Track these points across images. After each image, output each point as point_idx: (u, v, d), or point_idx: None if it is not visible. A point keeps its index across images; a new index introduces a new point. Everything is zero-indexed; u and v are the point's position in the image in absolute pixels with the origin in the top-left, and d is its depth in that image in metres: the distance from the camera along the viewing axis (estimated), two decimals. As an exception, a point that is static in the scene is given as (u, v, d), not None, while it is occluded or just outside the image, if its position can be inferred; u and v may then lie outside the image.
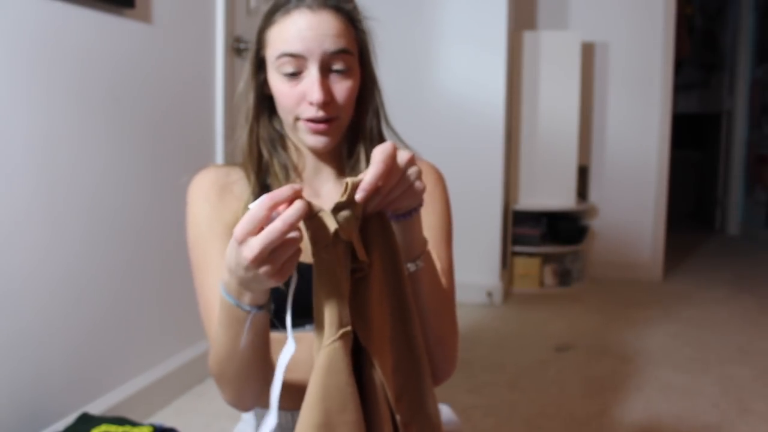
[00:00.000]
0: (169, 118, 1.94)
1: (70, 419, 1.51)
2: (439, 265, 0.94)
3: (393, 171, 0.69)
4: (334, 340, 0.68)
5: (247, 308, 0.72)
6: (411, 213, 0.76)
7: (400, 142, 0.98)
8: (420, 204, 0.76)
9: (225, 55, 2.17)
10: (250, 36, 2.60)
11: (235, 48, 2.25)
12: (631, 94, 3.75)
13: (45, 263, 1.50)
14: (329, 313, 0.68)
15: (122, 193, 1.75)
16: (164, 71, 1.90)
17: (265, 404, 0.92)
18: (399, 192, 0.71)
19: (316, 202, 0.69)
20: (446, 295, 0.91)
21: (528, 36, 3.48)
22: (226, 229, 0.91)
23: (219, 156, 2.17)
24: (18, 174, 1.43)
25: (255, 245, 0.62)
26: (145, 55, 1.82)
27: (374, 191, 0.68)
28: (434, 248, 0.95)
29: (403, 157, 0.70)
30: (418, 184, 0.72)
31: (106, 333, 1.71)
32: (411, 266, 0.80)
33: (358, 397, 0.69)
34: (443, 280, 0.93)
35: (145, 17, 1.81)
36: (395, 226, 0.76)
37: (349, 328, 0.68)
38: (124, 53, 1.73)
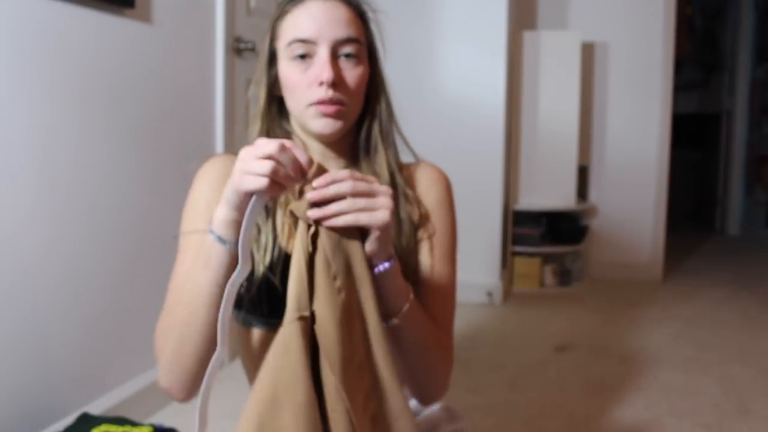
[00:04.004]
0: (169, 118, 1.94)
1: (70, 419, 1.51)
2: (438, 270, 0.95)
3: (358, 186, 0.73)
4: (292, 321, 0.69)
5: (226, 241, 0.77)
6: (380, 266, 0.78)
7: (405, 142, 0.99)
8: (389, 258, 0.79)
9: (225, 55, 2.17)
10: (250, 36, 2.61)
11: (235, 48, 2.25)
12: (631, 94, 3.75)
13: (45, 262, 1.50)
14: (292, 295, 0.70)
15: (123, 192, 1.75)
16: (164, 71, 1.90)
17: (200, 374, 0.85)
18: (360, 206, 0.73)
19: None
20: (435, 333, 0.91)
21: (528, 36, 3.48)
22: None
23: (219, 156, 2.17)
24: (19, 173, 1.43)
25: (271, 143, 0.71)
26: (145, 55, 1.82)
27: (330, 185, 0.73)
28: (438, 263, 0.96)
29: (381, 187, 0.75)
30: (381, 215, 0.74)
31: (107, 332, 1.71)
32: (391, 321, 0.82)
33: (309, 380, 0.69)
34: (443, 299, 0.95)
35: (145, 17, 1.81)
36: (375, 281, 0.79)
37: (306, 313, 0.70)
38: (124, 53, 1.73)
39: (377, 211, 0.74)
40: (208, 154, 2.11)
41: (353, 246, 0.74)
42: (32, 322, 1.48)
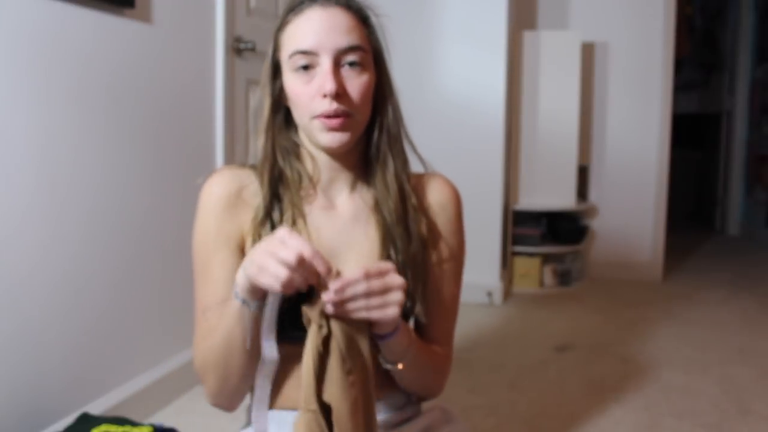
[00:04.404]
0: (169, 118, 1.94)
1: (70, 419, 1.51)
2: (445, 282, 0.99)
3: (372, 286, 0.77)
4: (302, 413, 0.78)
5: (251, 304, 0.81)
6: (385, 337, 0.84)
7: (414, 150, 0.98)
8: (394, 331, 0.84)
9: (225, 55, 2.17)
10: (250, 36, 2.60)
11: (235, 48, 2.25)
12: (631, 94, 3.75)
13: (45, 263, 1.50)
14: (303, 391, 0.78)
15: (122, 192, 1.75)
16: (164, 71, 1.90)
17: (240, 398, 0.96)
18: (373, 304, 0.77)
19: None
20: (435, 359, 0.97)
21: (528, 36, 3.48)
22: (230, 242, 0.93)
23: (219, 156, 2.17)
24: (18, 174, 1.43)
25: (296, 242, 0.75)
26: (145, 55, 1.82)
27: (341, 293, 0.76)
28: (447, 284, 0.99)
29: (395, 279, 0.78)
30: (391, 311, 0.78)
31: (106, 333, 1.71)
32: (390, 366, 0.89)
33: None
34: (447, 317, 0.99)
35: (145, 17, 1.81)
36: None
37: (313, 407, 0.77)
38: (124, 53, 1.73)
39: (388, 308, 0.78)
40: (207, 154, 2.12)
41: (362, 338, 0.80)
42: (32, 322, 1.47)
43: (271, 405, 0.94)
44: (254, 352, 0.85)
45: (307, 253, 0.74)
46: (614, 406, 1.96)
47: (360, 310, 0.77)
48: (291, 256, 0.73)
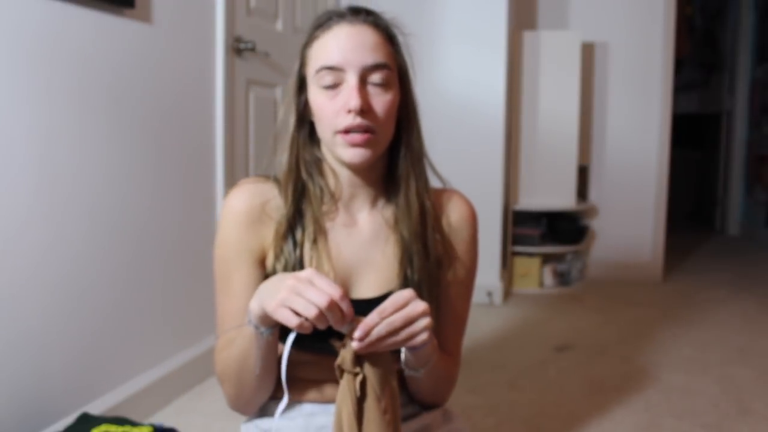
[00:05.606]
0: (169, 118, 1.94)
1: (70, 419, 1.51)
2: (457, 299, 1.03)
3: (394, 323, 0.77)
4: None
5: (263, 330, 0.83)
6: (418, 347, 0.84)
7: (433, 170, 0.99)
8: (426, 344, 0.84)
9: (225, 55, 2.17)
10: (250, 36, 2.60)
11: (235, 48, 2.25)
12: (631, 94, 3.75)
13: (46, 264, 1.50)
14: None
15: (122, 193, 1.75)
16: (164, 71, 1.90)
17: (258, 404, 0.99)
18: (400, 339, 0.78)
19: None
20: (448, 367, 1.00)
21: (528, 36, 3.48)
22: (251, 257, 0.94)
23: (219, 156, 2.17)
24: (18, 175, 1.43)
25: (322, 283, 0.74)
26: (145, 55, 1.82)
27: (370, 333, 0.76)
28: (459, 299, 1.02)
29: (416, 308, 0.77)
30: (421, 338, 0.79)
31: (107, 333, 1.71)
32: (412, 372, 0.92)
33: None
34: (457, 329, 1.03)
35: (145, 17, 1.81)
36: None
37: None
38: (124, 53, 1.73)
39: (417, 337, 0.78)
40: (207, 154, 2.12)
41: (390, 369, 0.82)
42: (33, 322, 1.47)
43: (297, 398, 0.98)
44: (265, 373, 0.89)
45: (336, 296, 0.73)
46: (614, 406, 1.96)
47: (390, 346, 0.78)
48: (322, 299, 0.73)
